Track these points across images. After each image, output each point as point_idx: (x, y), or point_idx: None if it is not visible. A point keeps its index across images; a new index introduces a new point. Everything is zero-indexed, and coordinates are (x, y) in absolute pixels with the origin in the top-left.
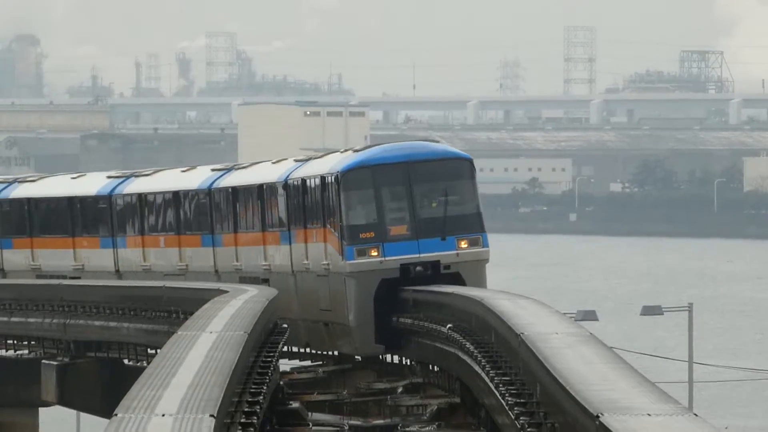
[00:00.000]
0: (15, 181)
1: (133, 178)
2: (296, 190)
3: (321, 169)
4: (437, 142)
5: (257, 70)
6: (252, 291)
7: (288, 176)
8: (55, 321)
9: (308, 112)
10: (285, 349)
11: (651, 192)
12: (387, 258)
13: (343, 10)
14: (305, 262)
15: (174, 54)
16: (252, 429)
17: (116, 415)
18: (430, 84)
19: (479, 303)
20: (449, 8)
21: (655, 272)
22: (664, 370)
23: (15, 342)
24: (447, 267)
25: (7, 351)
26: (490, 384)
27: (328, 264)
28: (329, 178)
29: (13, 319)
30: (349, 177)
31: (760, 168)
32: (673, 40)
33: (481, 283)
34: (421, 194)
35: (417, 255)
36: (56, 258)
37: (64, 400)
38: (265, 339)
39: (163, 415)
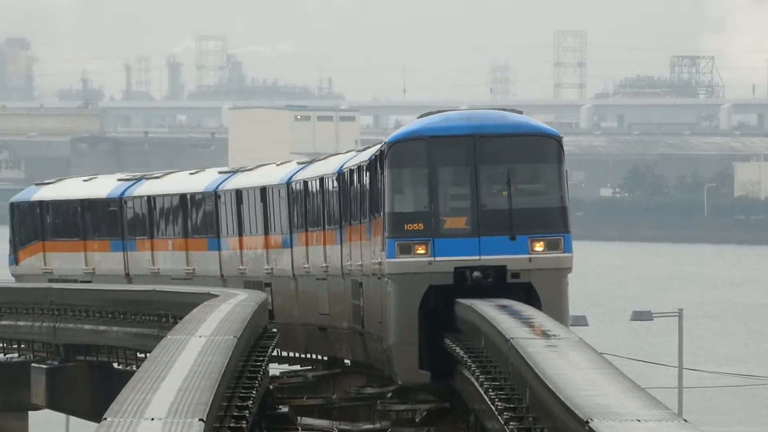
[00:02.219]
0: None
1: (143, 180)
2: (348, 177)
3: (368, 154)
4: (520, 113)
5: (247, 73)
6: (241, 295)
7: (341, 167)
8: (44, 324)
9: (298, 117)
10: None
11: (641, 197)
12: (438, 258)
13: (332, 15)
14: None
15: (164, 57)
16: None
17: (105, 419)
18: (421, 88)
19: (469, 308)
20: (439, 12)
21: (646, 277)
22: (654, 376)
23: (4, 345)
24: (516, 275)
25: None
26: (480, 389)
27: (379, 262)
28: (378, 155)
29: (3, 322)
30: (397, 151)
31: (750, 173)
32: (664, 44)
33: (560, 299)
34: (490, 178)
35: (477, 257)
36: (68, 261)
37: (53, 404)
38: (254, 343)
39: (153, 419)
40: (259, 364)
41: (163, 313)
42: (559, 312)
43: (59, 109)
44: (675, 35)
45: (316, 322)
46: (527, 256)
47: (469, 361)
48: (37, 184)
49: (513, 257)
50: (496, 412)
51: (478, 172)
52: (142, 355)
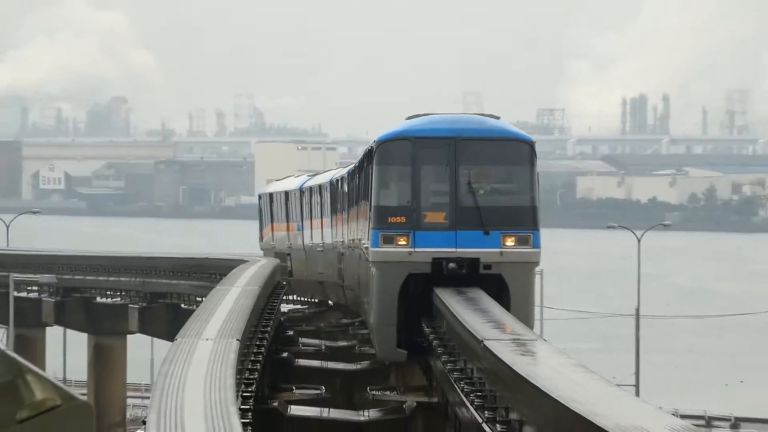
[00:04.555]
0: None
1: (311, 177)
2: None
3: (347, 169)
4: (497, 118)
5: (266, 119)
6: (263, 261)
7: (331, 179)
8: (137, 279)
9: (299, 147)
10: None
11: None
12: (417, 249)
13: (320, 80)
14: (352, 247)
15: (214, 108)
16: (262, 348)
17: (176, 339)
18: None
19: (437, 296)
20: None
21: None
22: None
23: (111, 293)
24: (488, 267)
25: (106, 299)
26: (450, 378)
27: (366, 246)
28: (368, 155)
29: (110, 278)
30: (385, 149)
31: (587, 184)
32: (534, 100)
33: (527, 290)
34: (467, 177)
35: (453, 249)
36: (280, 239)
37: (143, 330)
38: (271, 291)
39: (207, 339)
40: (274, 304)
41: (213, 272)
42: (526, 302)
43: (147, 142)
44: (542, 93)
45: (316, 278)
46: (499, 249)
47: (438, 344)
48: (268, 181)
49: (486, 250)
50: (453, 381)
51: (458, 171)
52: (200, 299)
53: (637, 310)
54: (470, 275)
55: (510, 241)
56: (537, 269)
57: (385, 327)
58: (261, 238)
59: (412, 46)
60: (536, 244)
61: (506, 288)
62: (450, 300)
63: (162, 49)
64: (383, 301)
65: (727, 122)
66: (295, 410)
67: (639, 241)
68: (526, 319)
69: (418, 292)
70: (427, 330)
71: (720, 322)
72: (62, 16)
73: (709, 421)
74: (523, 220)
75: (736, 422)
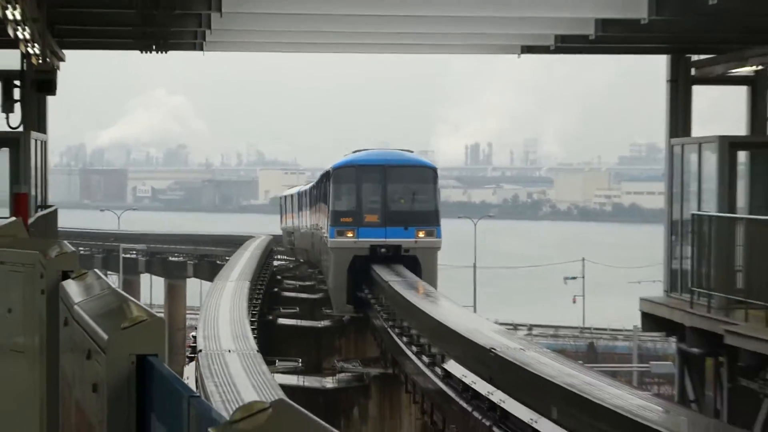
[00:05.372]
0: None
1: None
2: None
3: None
4: (411, 152)
5: (265, 155)
6: (263, 237)
7: (299, 190)
8: (192, 247)
9: (285, 173)
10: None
11: None
12: (360, 240)
13: (298, 128)
14: (316, 232)
15: (235, 150)
16: (263, 287)
17: (214, 281)
18: (337, 156)
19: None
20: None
21: None
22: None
23: (177, 254)
24: (407, 251)
25: (174, 258)
26: (379, 315)
27: (325, 237)
28: (326, 174)
29: (177, 246)
30: (338, 173)
31: (446, 193)
32: (416, 145)
33: (433, 266)
34: (393, 191)
35: (384, 239)
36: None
37: (196, 276)
38: (268, 254)
39: (231, 281)
40: (269, 261)
41: (234, 242)
42: (432, 273)
43: (197, 169)
44: (421, 141)
45: (304, 247)
46: (414, 239)
47: (374, 302)
48: (283, 187)
49: (405, 240)
50: (383, 318)
51: (386, 187)
52: (227, 258)
53: (474, 264)
54: (395, 256)
55: (421, 234)
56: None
57: (339, 291)
58: (281, 222)
59: (358, 98)
60: (438, 235)
61: (419, 264)
62: (382, 273)
63: (206, 116)
64: (337, 275)
65: (525, 157)
66: (281, 321)
67: (475, 225)
68: (432, 283)
69: (360, 268)
70: (366, 293)
71: (524, 271)
72: (151, 97)
73: (515, 327)
74: (430, 220)
75: (531, 326)
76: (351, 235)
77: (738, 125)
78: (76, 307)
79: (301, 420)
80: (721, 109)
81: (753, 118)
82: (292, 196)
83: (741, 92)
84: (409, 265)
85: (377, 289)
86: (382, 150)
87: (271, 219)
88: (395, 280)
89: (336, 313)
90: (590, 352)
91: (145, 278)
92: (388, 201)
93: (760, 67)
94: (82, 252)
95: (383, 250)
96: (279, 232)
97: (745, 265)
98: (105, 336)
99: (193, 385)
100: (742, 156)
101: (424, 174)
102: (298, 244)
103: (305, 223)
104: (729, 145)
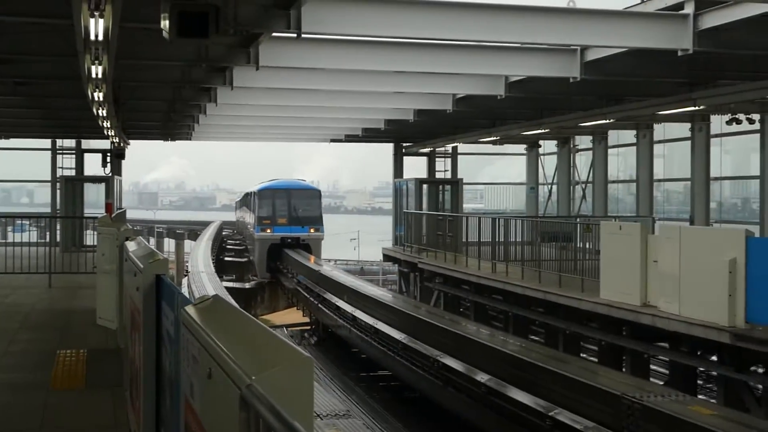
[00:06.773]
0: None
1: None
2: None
3: (253, 189)
4: (304, 181)
5: (219, 184)
6: (218, 221)
7: (247, 192)
8: (189, 227)
9: (229, 193)
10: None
11: None
12: (275, 234)
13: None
14: (248, 227)
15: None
16: (218, 243)
17: (196, 241)
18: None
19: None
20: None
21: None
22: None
23: (179, 230)
24: (304, 241)
25: (177, 231)
26: (290, 276)
27: (252, 231)
28: (254, 193)
29: (179, 225)
30: (260, 193)
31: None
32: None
33: (318, 248)
34: (294, 205)
35: (289, 234)
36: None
37: (189, 239)
38: (221, 229)
39: (203, 241)
40: (222, 235)
41: (205, 223)
42: (318, 253)
43: (189, 192)
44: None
45: (241, 232)
46: (308, 234)
47: (286, 269)
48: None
49: (303, 234)
50: (295, 280)
51: (290, 203)
52: (201, 230)
53: (358, 238)
54: (296, 244)
55: (312, 230)
56: (323, 241)
57: (261, 264)
58: (235, 216)
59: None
60: (322, 231)
61: (311, 249)
62: (289, 253)
63: (197, 166)
64: (260, 256)
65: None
66: (227, 259)
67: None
68: (319, 259)
69: (274, 251)
70: (279, 264)
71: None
72: (168, 160)
73: (334, 261)
74: (316, 221)
75: (336, 261)
76: (269, 231)
77: (423, 173)
78: (130, 253)
79: (224, 303)
80: (419, 166)
81: (429, 169)
82: (238, 201)
83: (424, 160)
84: (305, 249)
85: (287, 261)
86: (288, 179)
87: (225, 215)
88: (296, 256)
89: (258, 278)
90: (361, 272)
91: (166, 241)
92: (291, 210)
93: (431, 149)
94: (136, 228)
95: (289, 240)
96: (231, 218)
97: (426, 232)
98: (141, 265)
99: (185, 289)
100: (425, 187)
101: (313, 194)
102: (238, 229)
103: (243, 220)
104: (418, 181)
